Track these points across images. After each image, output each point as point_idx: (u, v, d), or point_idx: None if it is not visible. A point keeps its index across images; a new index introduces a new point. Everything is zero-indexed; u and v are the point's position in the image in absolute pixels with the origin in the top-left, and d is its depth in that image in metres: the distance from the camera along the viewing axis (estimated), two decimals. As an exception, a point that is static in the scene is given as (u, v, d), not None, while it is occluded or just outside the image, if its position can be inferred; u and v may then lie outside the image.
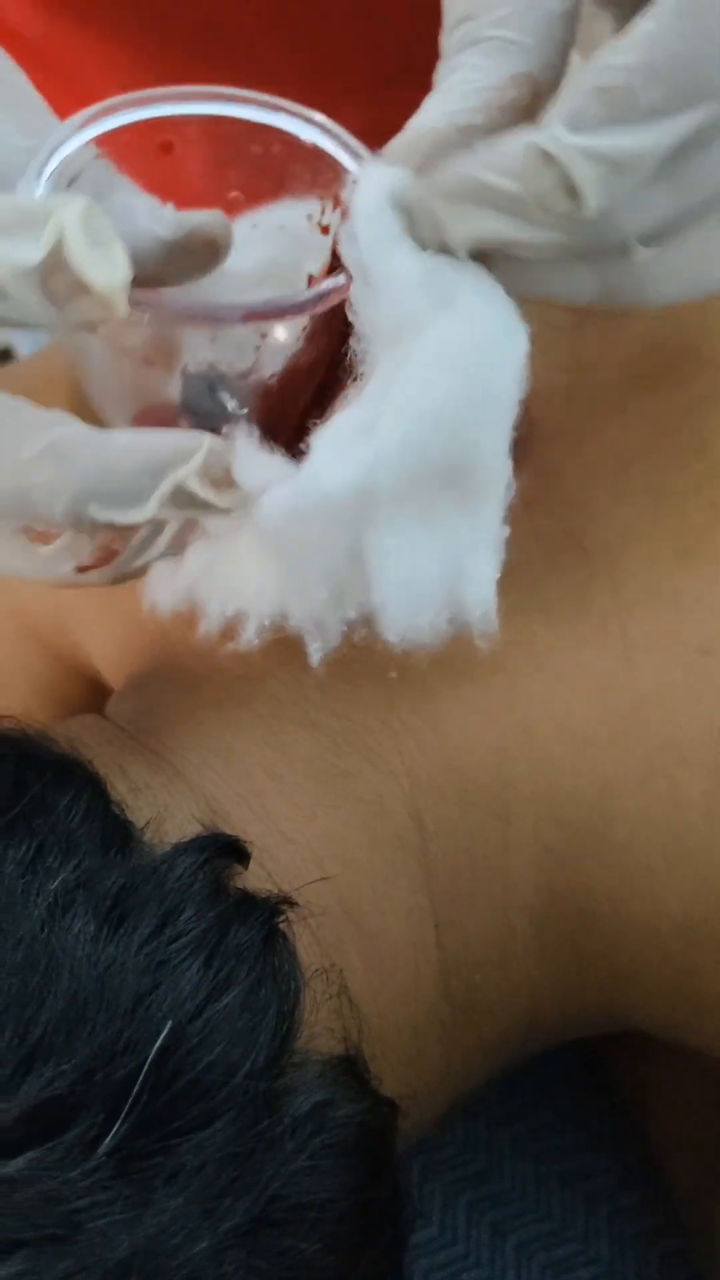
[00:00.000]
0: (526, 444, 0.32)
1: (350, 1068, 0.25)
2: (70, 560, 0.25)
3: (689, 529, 0.29)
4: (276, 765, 0.28)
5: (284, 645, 0.30)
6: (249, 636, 0.26)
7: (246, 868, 0.26)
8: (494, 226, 0.22)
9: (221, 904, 0.24)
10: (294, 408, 0.26)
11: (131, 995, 0.22)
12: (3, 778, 0.25)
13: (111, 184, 0.25)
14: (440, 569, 0.24)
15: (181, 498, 0.23)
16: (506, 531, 0.24)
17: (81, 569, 0.25)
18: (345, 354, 0.25)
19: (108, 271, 0.21)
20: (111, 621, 0.35)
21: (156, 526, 0.25)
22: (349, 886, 0.27)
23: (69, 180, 0.25)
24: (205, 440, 0.23)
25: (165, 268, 0.25)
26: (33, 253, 0.20)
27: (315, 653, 0.25)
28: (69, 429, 0.23)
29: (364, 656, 0.29)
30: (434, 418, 0.22)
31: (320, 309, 0.24)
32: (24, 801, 0.24)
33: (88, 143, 0.25)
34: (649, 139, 0.21)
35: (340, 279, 0.24)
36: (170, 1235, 0.21)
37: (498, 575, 0.24)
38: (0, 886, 0.23)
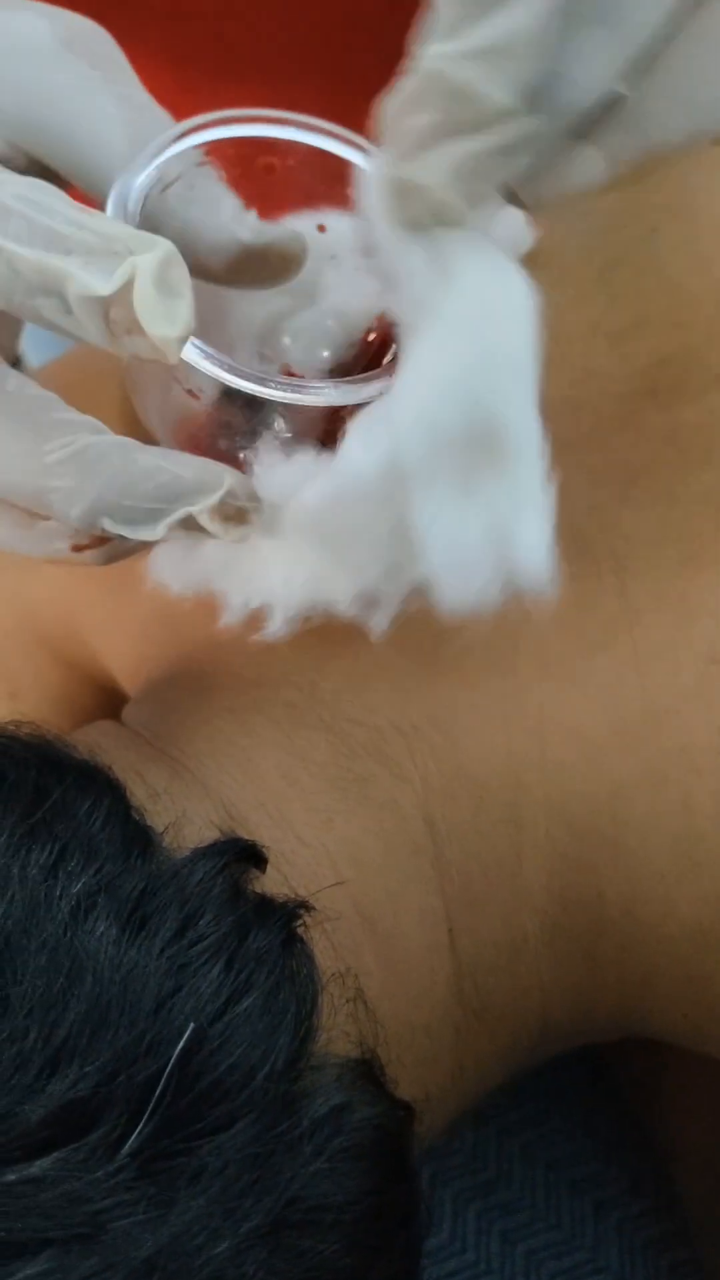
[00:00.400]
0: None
1: (367, 1071, 0.25)
2: (65, 539, 0.25)
3: (695, 535, 0.30)
4: (293, 770, 0.28)
5: (297, 651, 0.30)
6: (276, 628, 0.26)
7: (264, 872, 0.26)
8: (461, 150, 0.21)
9: (240, 908, 0.24)
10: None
11: (153, 998, 0.22)
12: (24, 783, 0.25)
13: (206, 178, 0.26)
14: (484, 535, 0.24)
15: (190, 523, 0.24)
16: (551, 490, 0.24)
17: (77, 548, 0.26)
18: None
19: (167, 325, 0.21)
20: (126, 628, 0.36)
21: None
22: (364, 890, 0.27)
23: (167, 184, 0.26)
24: (226, 478, 0.24)
25: (235, 268, 0.26)
26: (103, 285, 0.21)
27: (378, 626, 0.26)
28: (97, 440, 0.23)
29: (376, 661, 0.30)
30: (446, 386, 0.23)
31: (366, 402, 0.25)
32: (45, 807, 0.24)
33: (194, 147, 0.26)
34: (513, 17, 0.20)
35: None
36: (193, 1235, 0.21)
37: (548, 536, 0.24)
38: (24, 890, 0.23)
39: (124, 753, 0.28)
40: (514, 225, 0.30)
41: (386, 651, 0.30)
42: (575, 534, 0.30)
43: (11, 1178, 0.20)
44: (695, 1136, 0.38)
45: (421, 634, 0.30)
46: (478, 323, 0.23)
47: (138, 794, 0.26)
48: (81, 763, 0.26)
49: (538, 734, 0.28)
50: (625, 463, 0.31)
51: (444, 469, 0.23)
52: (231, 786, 0.28)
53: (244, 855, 0.26)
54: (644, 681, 0.28)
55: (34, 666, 0.40)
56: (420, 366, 0.23)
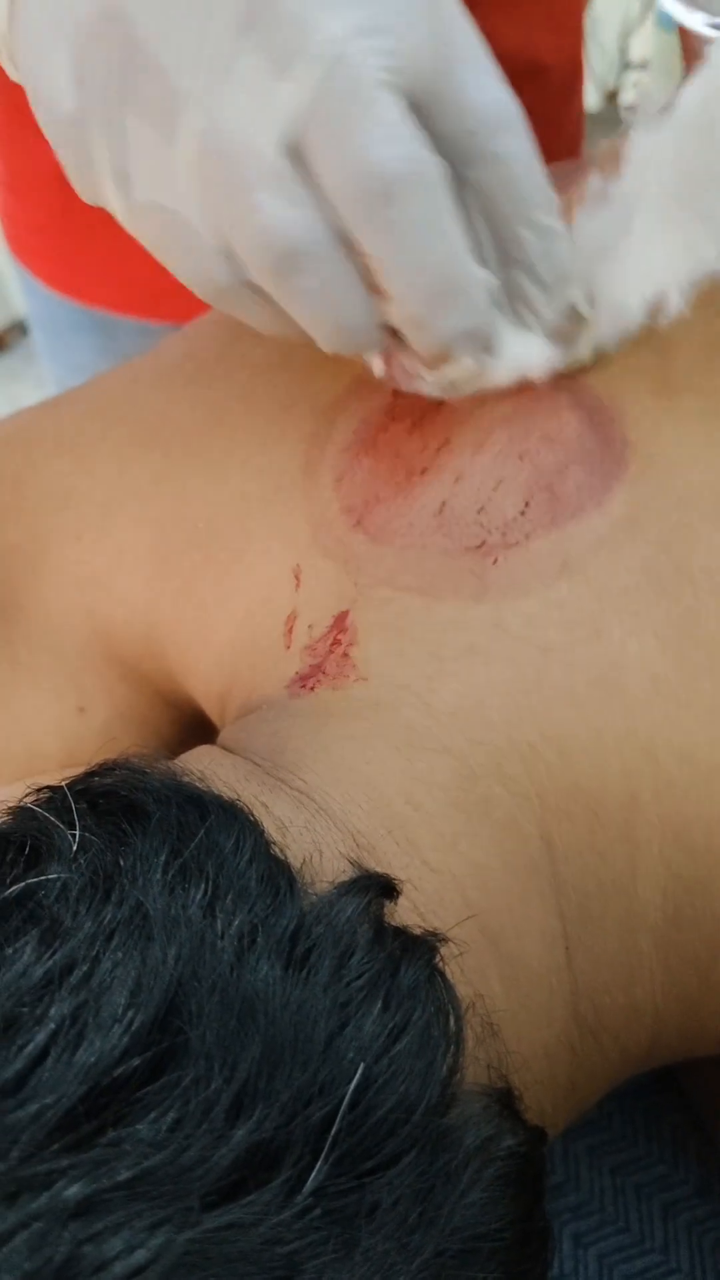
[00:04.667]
0: (623, 466, 0.33)
1: (507, 1100, 0.26)
2: None
3: None
4: (416, 794, 0.28)
5: (407, 669, 0.31)
6: (677, 305, 0.30)
7: (396, 904, 0.26)
8: None
9: (388, 945, 0.25)
10: None
11: (323, 1037, 0.22)
12: (167, 820, 0.25)
13: None
14: None
15: None
16: None
17: None
18: None
19: None
20: (210, 650, 0.36)
21: None
22: (490, 913, 0.28)
23: None
24: None
25: None
26: None
27: None
28: None
29: (487, 678, 0.30)
30: None
31: None
32: (193, 844, 0.25)
33: None
34: None
35: None
36: (374, 1272, 0.21)
37: None
38: (190, 931, 0.23)
39: (246, 784, 0.28)
40: None
41: (494, 669, 0.30)
42: (671, 554, 0.30)
43: (212, 1224, 0.20)
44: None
45: (526, 649, 0.30)
46: None
47: (268, 827, 0.27)
48: (219, 798, 0.26)
49: (649, 753, 0.29)
50: (714, 479, 0.32)
51: None
52: (358, 815, 0.28)
53: (382, 890, 0.26)
54: None
55: (105, 683, 0.40)
56: None
